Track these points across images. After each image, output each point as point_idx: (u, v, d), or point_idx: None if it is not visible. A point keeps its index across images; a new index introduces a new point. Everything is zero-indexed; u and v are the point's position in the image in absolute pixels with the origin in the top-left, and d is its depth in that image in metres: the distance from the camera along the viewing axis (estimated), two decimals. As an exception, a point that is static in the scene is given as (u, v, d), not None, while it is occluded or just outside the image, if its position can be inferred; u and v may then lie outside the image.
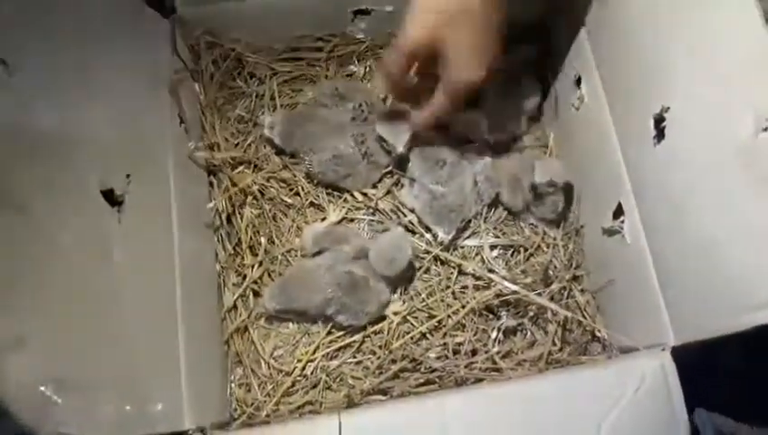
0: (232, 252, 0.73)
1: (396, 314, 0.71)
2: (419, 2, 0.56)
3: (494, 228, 0.76)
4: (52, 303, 0.45)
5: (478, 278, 0.72)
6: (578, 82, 0.72)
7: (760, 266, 0.48)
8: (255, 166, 0.74)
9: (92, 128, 0.54)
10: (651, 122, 0.58)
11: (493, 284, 0.70)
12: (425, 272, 0.74)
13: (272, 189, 0.74)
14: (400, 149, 0.71)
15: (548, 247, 0.75)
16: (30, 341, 0.42)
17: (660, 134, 0.58)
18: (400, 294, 0.73)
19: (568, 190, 0.74)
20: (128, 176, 0.56)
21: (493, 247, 0.75)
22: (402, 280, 0.72)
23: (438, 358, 0.69)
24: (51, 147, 0.49)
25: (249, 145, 0.75)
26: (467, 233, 0.75)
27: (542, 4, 0.77)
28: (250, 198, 0.73)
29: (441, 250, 0.73)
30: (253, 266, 0.72)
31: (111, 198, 0.55)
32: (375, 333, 0.70)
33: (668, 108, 0.56)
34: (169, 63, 0.68)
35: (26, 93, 0.48)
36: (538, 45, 0.79)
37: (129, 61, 0.62)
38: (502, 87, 0.77)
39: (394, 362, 0.68)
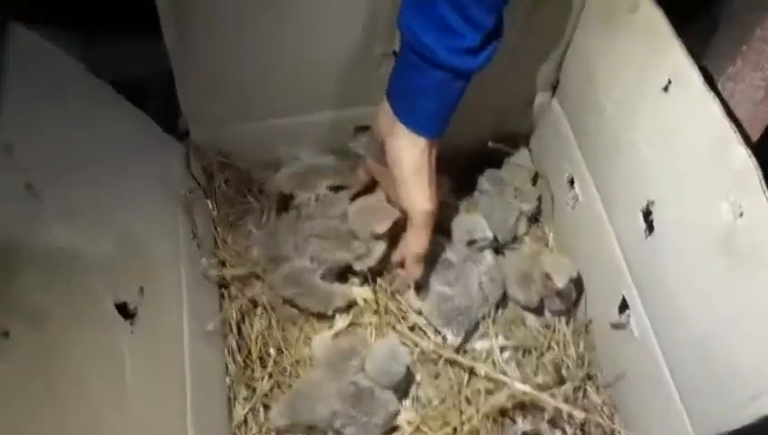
0: (242, 364, 0.73)
1: (409, 423, 0.70)
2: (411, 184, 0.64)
3: (504, 329, 0.76)
4: (64, 412, 0.47)
5: (490, 380, 0.71)
6: (571, 182, 0.76)
7: (754, 351, 0.48)
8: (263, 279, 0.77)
9: (109, 243, 0.57)
10: (640, 216, 0.61)
11: (505, 386, 0.69)
12: (435, 377, 0.73)
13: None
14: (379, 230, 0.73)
15: (558, 345, 0.75)
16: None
17: (650, 227, 0.60)
18: (412, 401, 0.72)
19: (578, 280, 0.75)
20: (141, 289, 0.59)
21: (503, 349, 0.75)
22: (405, 387, 0.72)
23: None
24: (68, 264, 0.52)
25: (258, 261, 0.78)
26: (476, 335, 0.75)
27: (534, 110, 0.82)
28: (259, 308, 0.75)
29: (451, 353, 0.73)
30: (262, 379, 0.72)
31: (125, 311, 0.57)
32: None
33: (653, 202, 0.59)
34: (183, 182, 0.73)
35: (48, 214, 0.52)
36: (531, 150, 0.83)
37: (146, 180, 0.67)
38: (501, 190, 0.81)
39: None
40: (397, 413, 0.70)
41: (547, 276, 0.73)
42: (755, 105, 0.76)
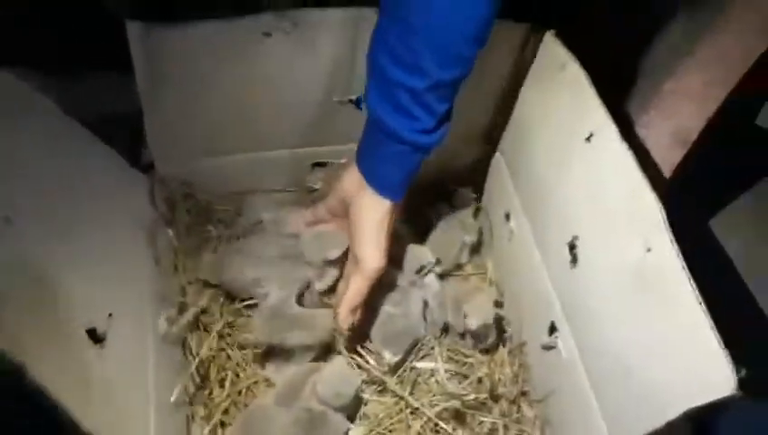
0: (200, 385, 0.77)
1: (358, 440, 0.75)
2: (367, 240, 0.71)
3: (447, 350, 0.83)
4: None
5: (433, 395, 0.78)
6: (507, 217, 0.84)
7: (662, 368, 0.55)
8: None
9: (79, 271, 0.61)
10: (566, 249, 0.68)
11: (447, 401, 0.76)
12: (379, 393, 0.79)
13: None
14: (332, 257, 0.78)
15: (494, 364, 0.82)
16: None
17: (574, 259, 0.68)
18: (359, 418, 0.77)
19: (499, 320, 0.83)
20: (110, 315, 0.63)
21: (446, 370, 0.81)
22: (354, 407, 0.76)
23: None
24: (42, 288, 0.56)
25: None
26: (420, 355, 0.81)
27: (475, 151, 0.90)
28: (214, 332, 0.79)
29: (389, 371, 0.78)
30: (220, 403, 0.76)
31: (94, 335, 0.60)
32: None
33: (578, 236, 0.67)
34: (148, 213, 0.77)
35: (22, 243, 0.55)
36: (474, 187, 0.91)
37: (112, 211, 0.70)
38: (446, 223, 0.88)
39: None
40: (347, 432, 0.74)
41: (464, 315, 0.79)
42: (665, 150, 0.86)
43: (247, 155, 0.82)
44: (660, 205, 0.56)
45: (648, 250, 0.56)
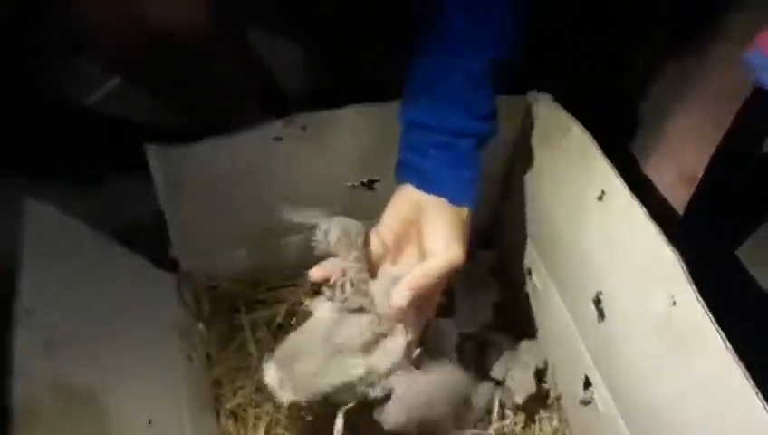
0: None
1: None
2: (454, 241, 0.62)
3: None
4: None
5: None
6: (529, 273, 0.85)
7: (699, 424, 0.55)
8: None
9: (119, 383, 0.62)
10: (592, 305, 0.69)
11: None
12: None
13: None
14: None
15: (534, 423, 0.82)
16: None
17: (601, 314, 0.68)
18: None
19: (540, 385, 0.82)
20: (149, 422, 0.64)
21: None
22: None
23: None
24: (86, 409, 0.57)
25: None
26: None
27: (490, 211, 0.92)
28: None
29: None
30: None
31: (137, 444, 0.61)
32: None
33: (601, 292, 0.68)
34: (177, 311, 0.78)
35: (65, 363, 0.57)
36: (492, 248, 0.92)
37: (143, 316, 0.72)
38: (468, 286, 0.89)
39: None
40: None
41: (510, 390, 0.79)
42: (673, 189, 0.87)
43: (267, 242, 0.84)
44: (678, 257, 0.57)
45: (673, 304, 0.57)
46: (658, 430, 0.62)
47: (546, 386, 0.84)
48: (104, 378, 0.61)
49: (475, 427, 0.79)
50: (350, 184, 0.79)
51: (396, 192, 0.66)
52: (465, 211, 0.64)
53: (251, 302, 0.89)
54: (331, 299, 0.59)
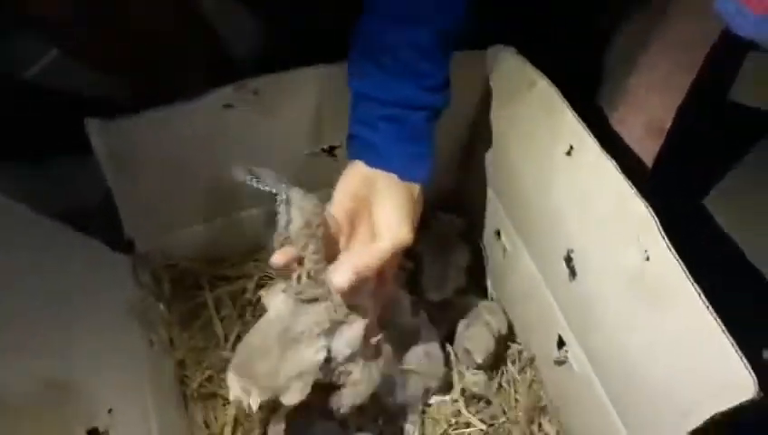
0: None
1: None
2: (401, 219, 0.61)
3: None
4: None
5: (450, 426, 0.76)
6: (498, 234, 0.83)
7: (674, 375, 0.55)
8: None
9: (75, 370, 0.59)
10: (563, 263, 0.68)
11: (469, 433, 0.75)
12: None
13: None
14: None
15: (509, 385, 0.81)
16: None
17: (572, 272, 0.67)
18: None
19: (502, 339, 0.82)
20: (110, 410, 0.60)
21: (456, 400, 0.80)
22: None
23: None
24: (38, 399, 0.54)
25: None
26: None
27: (456, 173, 0.89)
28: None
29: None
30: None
31: (96, 435, 0.58)
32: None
33: (572, 250, 0.66)
34: (134, 293, 0.75)
35: (12, 355, 0.53)
36: (459, 210, 0.90)
37: (100, 299, 0.68)
38: (437, 251, 0.87)
39: None
40: None
41: (467, 351, 0.79)
42: (642, 142, 0.86)
43: (223, 219, 0.81)
44: (651, 211, 0.56)
45: (647, 259, 0.56)
46: (632, 387, 0.62)
47: (520, 347, 0.84)
48: (61, 367, 0.57)
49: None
50: (307, 152, 0.76)
51: (347, 167, 0.64)
52: (416, 188, 0.63)
53: (213, 279, 0.85)
54: (285, 291, 0.57)
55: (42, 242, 0.63)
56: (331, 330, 0.56)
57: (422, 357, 0.76)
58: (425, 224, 0.89)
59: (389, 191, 0.61)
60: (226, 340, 0.80)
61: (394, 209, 0.60)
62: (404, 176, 0.62)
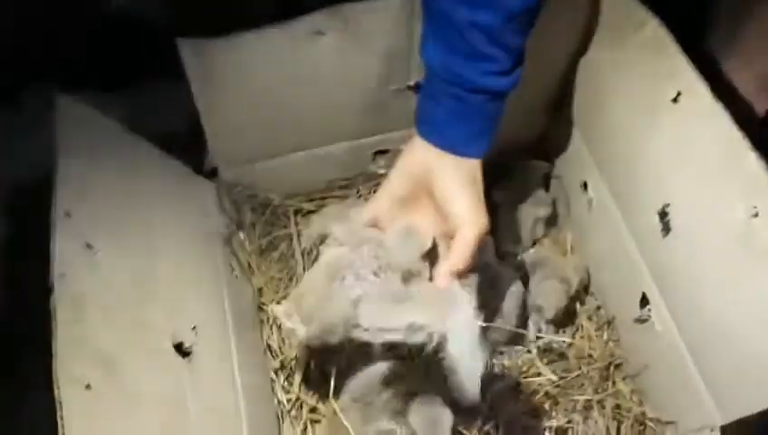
0: (287, 386, 0.77)
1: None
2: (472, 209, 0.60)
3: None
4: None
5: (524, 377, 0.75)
6: (584, 186, 0.79)
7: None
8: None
9: (160, 287, 0.61)
10: (656, 218, 0.64)
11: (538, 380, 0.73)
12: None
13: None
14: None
15: (584, 341, 0.79)
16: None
17: (666, 227, 0.64)
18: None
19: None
20: (194, 328, 0.63)
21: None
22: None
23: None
24: (130, 310, 0.56)
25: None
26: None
27: (542, 121, 0.86)
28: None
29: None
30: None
31: (181, 350, 0.60)
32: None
33: (668, 204, 0.63)
34: (218, 219, 0.76)
35: (107, 268, 0.55)
36: (546, 157, 0.87)
37: (184, 221, 0.70)
38: (516, 198, 0.84)
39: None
40: None
41: (538, 307, 0.77)
42: (752, 97, 0.80)
43: (309, 152, 0.80)
44: (764, 165, 0.52)
45: (755, 215, 0.52)
46: (723, 352, 0.59)
47: (597, 303, 0.81)
48: (144, 284, 0.59)
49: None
50: (394, 88, 0.74)
51: (408, 143, 0.63)
52: (475, 164, 0.61)
53: (294, 212, 0.86)
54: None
55: (130, 159, 0.65)
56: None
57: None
58: (508, 170, 0.87)
59: (453, 172, 0.60)
60: (305, 269, 0.81)
61: (464, 192, 0.60)
62: (460, 151, 0.60)
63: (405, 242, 0.62)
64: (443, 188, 0.61)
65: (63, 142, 0.55)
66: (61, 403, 0.44)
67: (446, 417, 0.65)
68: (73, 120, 0.58)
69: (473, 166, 0.61)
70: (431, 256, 0.63)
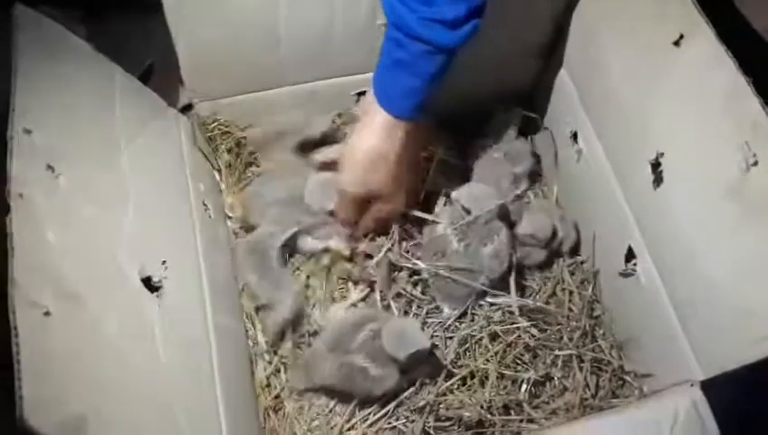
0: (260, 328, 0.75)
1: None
2: (346, 164, 0.65)
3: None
4: (104, 383, 0.48)
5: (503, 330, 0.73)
6: (574, 136, 0.77)
7: (764, 294, 0.51)
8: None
9: (129, 220, 0.58)
10: (648, 168, 0.63)
11: (517, 333, 0.72)
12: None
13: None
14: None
15: (564, 293, 0.78)
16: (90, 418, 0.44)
17: (659, 178, 0.62)
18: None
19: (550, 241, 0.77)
20: (163, 262, 0.60)
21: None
22: (419, 367, 0.70)
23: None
24: (94, 240, 0.53)
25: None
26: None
27: (534, 67, 0.83)
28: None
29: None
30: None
31: (150, 284, 0.57)
32: (407, 398, 0.70)
33: (662, 153, 0.61)
34: (191, 154, 0.73)
35: (70, 193, 0.52)
36: (532, 108, 0.84)
37: (155, 152, 0.67)
38: (493, 154, 0.81)
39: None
40: (395, 387, 0.69)
41: (531, 236, 0.76)
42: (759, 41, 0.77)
43: (288, 89, 0.77)
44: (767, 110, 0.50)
45: (755, 164, 0.50)
46: (706, 306, 0.58)
47: (581, 258, 0.80)
48: (110, 214, 0.56)
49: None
50: (380, 23, 0.70)
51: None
52: (396, 125, 0.60)
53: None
54: None
55: (104, 84, 0.61)
56: None
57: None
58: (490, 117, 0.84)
59: (365, 124, 0.62)
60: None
61: (350, 156, 0.64)
62: (384, 104, 0.59)
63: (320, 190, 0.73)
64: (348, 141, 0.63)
65: (23, 55, 0.51)
66: (16, 328, 0.41)
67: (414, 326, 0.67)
68: (34, 32, 0.54)
69: (392, 128, 0.60)
70: None
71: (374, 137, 0.62)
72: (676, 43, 0.57)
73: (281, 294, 0.72)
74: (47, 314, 0.44)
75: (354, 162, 0.64)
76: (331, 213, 0.73)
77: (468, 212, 0.70)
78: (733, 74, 0.52)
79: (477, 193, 0.72)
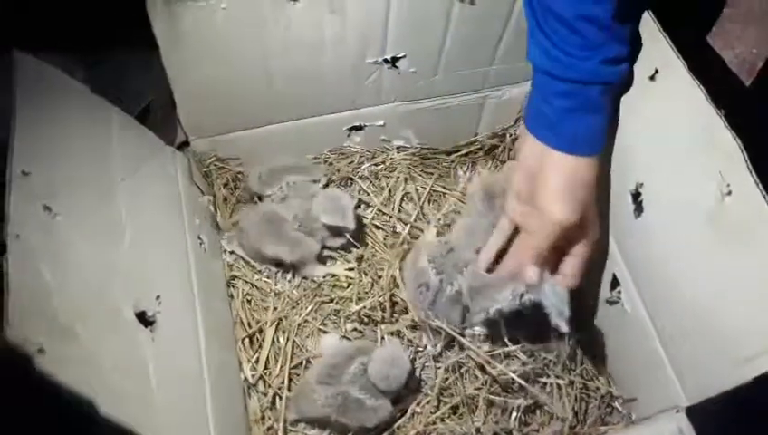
0: (254, 360, 0.75)
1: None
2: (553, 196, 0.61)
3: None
4: (98, 419, 0.48)
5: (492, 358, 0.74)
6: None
7: (744, 318, 0.52)
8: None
9: (124, 256, 0.59)
10: (630, 198, 0.64)
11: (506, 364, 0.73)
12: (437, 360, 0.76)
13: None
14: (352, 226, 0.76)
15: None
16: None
17: (639, 208, 0.63)
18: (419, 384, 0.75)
19: None
20: (158, 297, 0.61)
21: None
22: (406, 393, 0.72)
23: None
24: (89, 276, 0.54)
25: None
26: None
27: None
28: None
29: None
30: (277, 375, 0.74)
31: (144, 319, 0.59)
32: (398, 428, 0.71)
33: (642, 184, 0.62)
34: (188, 190, 0.74)
35: (66, 232, 0.53)
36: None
37: (151, 190, 0.68)
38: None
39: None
40: (393, 419, 0.70)
41: None
42: (728, 75, 0.80)
43: (280, 126, 0.79)
44: (739, 142, 0.51)
45: (729, 193, 0.52)
46: (690, 330, 0.59)
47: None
48: (105, 251, 0.57)
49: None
50: (370, 61, 0.72)
51: (522, 137, 0.64)
52: (583, 162, 0.60)
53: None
54: None
55: (102, 126, 0.63)
56: None
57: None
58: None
59: (553, 167, 0.60)
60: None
61: (551, 187, 0.60)
62: (572, 150, 0.60)
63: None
64: (539, 178, 0.61)
65: (22, 100, 0.53)
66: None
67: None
68: (33, 78, 0.56)
69: (582, 164, 0.60)
70: None
71: (570, 169, 0.61)
72: (652, 78, 0.59)
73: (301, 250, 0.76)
74: (41, 350, 0.45)
75: (562, 189, 0.60)
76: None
77: None
78: (705, 107, 0.54)
79: None
